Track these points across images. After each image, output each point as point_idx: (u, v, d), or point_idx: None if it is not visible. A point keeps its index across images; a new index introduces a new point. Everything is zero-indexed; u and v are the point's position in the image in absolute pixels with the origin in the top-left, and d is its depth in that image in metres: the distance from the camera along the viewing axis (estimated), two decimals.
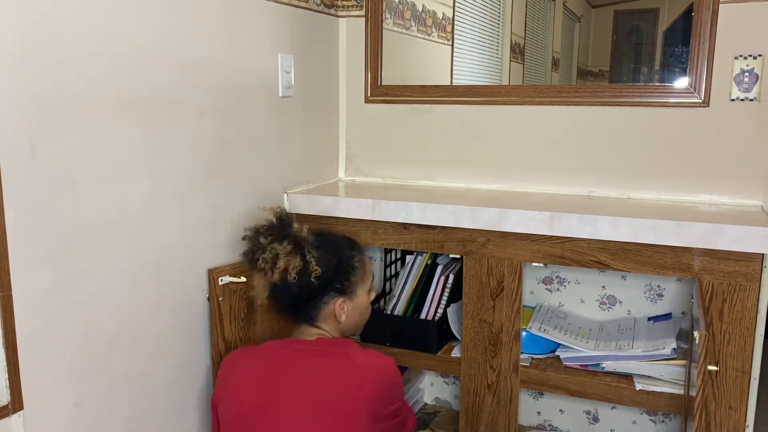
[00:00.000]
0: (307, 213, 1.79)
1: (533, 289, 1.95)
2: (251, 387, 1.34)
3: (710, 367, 1.22)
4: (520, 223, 1.56)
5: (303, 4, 1.82)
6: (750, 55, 1.62)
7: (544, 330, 1.73)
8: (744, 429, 1.47)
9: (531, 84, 2.05)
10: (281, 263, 1.36)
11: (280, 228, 1.42)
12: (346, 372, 1.32)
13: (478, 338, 1.67)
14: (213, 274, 1.50)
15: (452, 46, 2.09)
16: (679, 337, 1.70)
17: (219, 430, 1.37)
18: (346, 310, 1.44)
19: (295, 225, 1.44)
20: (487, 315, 1.65)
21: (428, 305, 1.81)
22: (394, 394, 1.39)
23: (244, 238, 1.43)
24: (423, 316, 1.82)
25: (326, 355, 1.35)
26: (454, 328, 1.79)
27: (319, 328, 1.43)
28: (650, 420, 1.89)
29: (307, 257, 1.37)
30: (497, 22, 2.13)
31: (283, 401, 1.30)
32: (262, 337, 1.63)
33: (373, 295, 1.53)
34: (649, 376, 1.60)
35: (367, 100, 2.04)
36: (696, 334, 1.21)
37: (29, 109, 1.11)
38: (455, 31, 2.09)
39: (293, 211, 1.80)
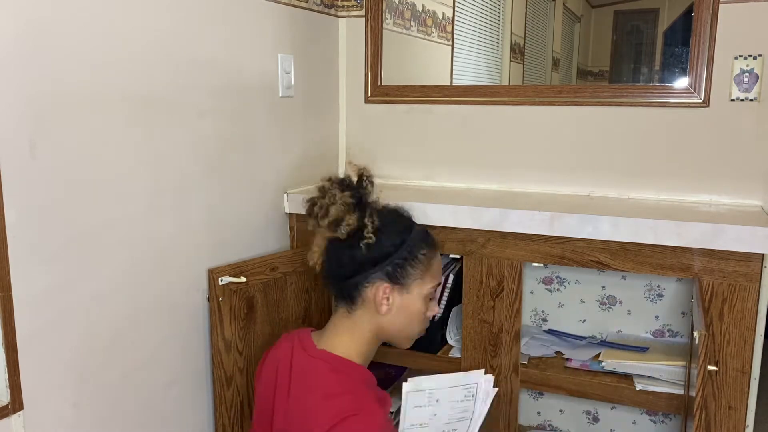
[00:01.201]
0: None
1: (533, 289, 1.94)
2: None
3: (710, 367, 1.21)
4: (520, 223, 1.56)
5: (303, 4, 1.82)
6: (750, 55, 1.62)
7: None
8: (744, 429, 1.47)
9: (531, 84, 2.05)
10: (333, 211, 1.23)
11: (354, 185, 1.30)
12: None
13: (478, 338, 1.67)
14: (213, 274, 1.50)
15: (452, 46, 2.09)
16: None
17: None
18: (391, 303, 1.26)
19: (372, 190, 1.31)
20: (487, 315, 1.65)
21: None
22: None
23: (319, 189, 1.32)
24: None
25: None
26: (450, 330, 1.79)
27: (353, 315, 1.28)
28: (650, 420, 1.89)
29: (366, 220, 1.24)
30: (497, 22, 2.13)
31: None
32: (261, 337, 1.63)
33: (434, 309, 1.35)
34: (649, 376, 1.60)
35: (367, 100, 2.04)
36: (696, 333, 1.21)
37: (29, 109, 1.11)
38: (455, 31, 2.09)
39: (293, 212, 1.80)
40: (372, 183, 1.33)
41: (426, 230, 1.37)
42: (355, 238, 1.25)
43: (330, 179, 1.31)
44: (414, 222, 1.37)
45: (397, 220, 1.31)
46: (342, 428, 1.14)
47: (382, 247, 1.25)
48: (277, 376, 1.31)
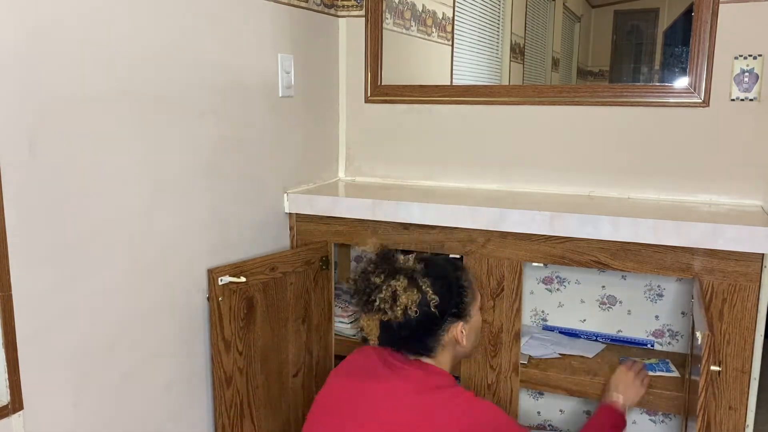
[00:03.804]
0: (307, 213, 1.79)
1: (533, 289, 1.94)
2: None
3: (713, 368, 1.21)
4: (520, 223, 1.56)
5: (303, 4, 1.82)
6: (750, 55, 1.62)
7: None
8: (744, 429, 1.47)
9: (531, 84, 2.05)
10: (402, 300, 1.29)
11: (387, 263, 1.36)
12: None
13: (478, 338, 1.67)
14: (213, 274, 1.50)
15: (452, 46, 2.09)
16: None
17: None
18: (465, 333, 1.37)
19: (400, 257, 1.38)
20: (487, 315, 1.65)
21: None
22: None
23: (347, 281, 1.38)
24: None
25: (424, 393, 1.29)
26: None
27: (435, 358, 1.36)
28: (650, 420, 1.89)
29: (423, 287, 1.31)
30: (497, 22, 2.12)
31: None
32: (260, 337, 1.63)
33: (482, 313, 1.46)
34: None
35: (367, 100, 2.04)
36: (698, 334, 1.21)
37: (29, 110, 1.11)
38: (455, 31, 2.09)
39: (293, 211, 1.80)
40: (393, 250, 1.41)
41: (452, 259, 1.45)
42: (421, 305, 1.31)
43: (366, 271, 1.36)
44: (442, 259, 1.44)
45: (437, 270, 1.37)
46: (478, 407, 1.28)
47: (444, 299, 1.33)
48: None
